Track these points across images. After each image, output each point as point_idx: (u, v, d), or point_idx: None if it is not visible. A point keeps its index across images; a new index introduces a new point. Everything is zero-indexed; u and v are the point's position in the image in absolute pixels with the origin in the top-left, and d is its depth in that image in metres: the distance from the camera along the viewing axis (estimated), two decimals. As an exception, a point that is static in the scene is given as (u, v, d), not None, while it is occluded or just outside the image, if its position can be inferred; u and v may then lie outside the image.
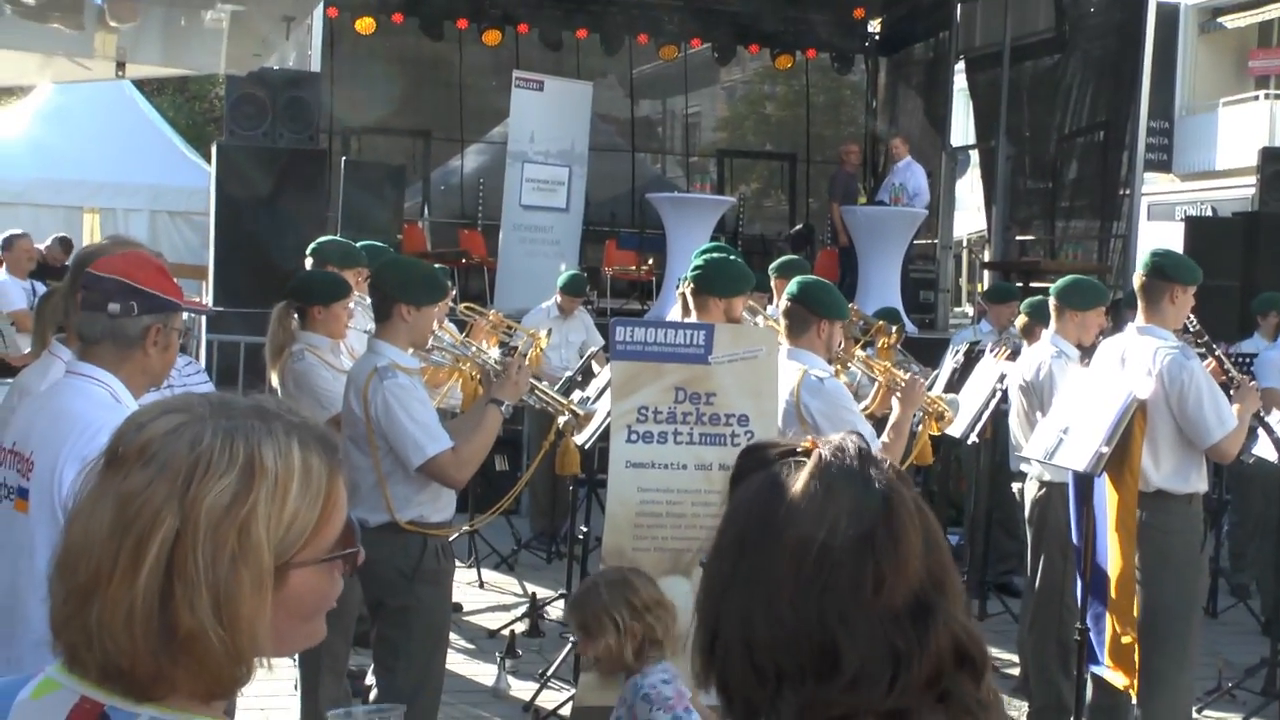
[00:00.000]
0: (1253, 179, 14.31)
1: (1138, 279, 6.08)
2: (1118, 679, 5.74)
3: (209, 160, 13.61)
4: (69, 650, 1.53)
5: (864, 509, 1.48)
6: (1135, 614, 5.66)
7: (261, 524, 1.52)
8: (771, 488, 1.51)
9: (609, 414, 5.43)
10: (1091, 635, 5.79)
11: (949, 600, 1.50)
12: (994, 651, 8.23)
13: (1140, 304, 6.05)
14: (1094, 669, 5.85)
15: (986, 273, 18.53)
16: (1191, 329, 6.09)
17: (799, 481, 1.50)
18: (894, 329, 9.34)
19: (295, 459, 1.56)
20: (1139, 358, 5.94)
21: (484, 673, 7.51)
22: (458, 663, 7.63)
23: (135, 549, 1.48)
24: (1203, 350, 6.03)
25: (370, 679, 5.26)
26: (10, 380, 4.91)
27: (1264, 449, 6.90)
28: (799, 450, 1.55)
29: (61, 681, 1.54)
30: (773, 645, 1.46)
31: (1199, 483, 6.00)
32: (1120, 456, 5.57)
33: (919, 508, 1.53)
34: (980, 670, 1.51)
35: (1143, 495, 5.86)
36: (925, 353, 10.53)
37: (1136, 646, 5.65)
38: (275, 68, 12.28)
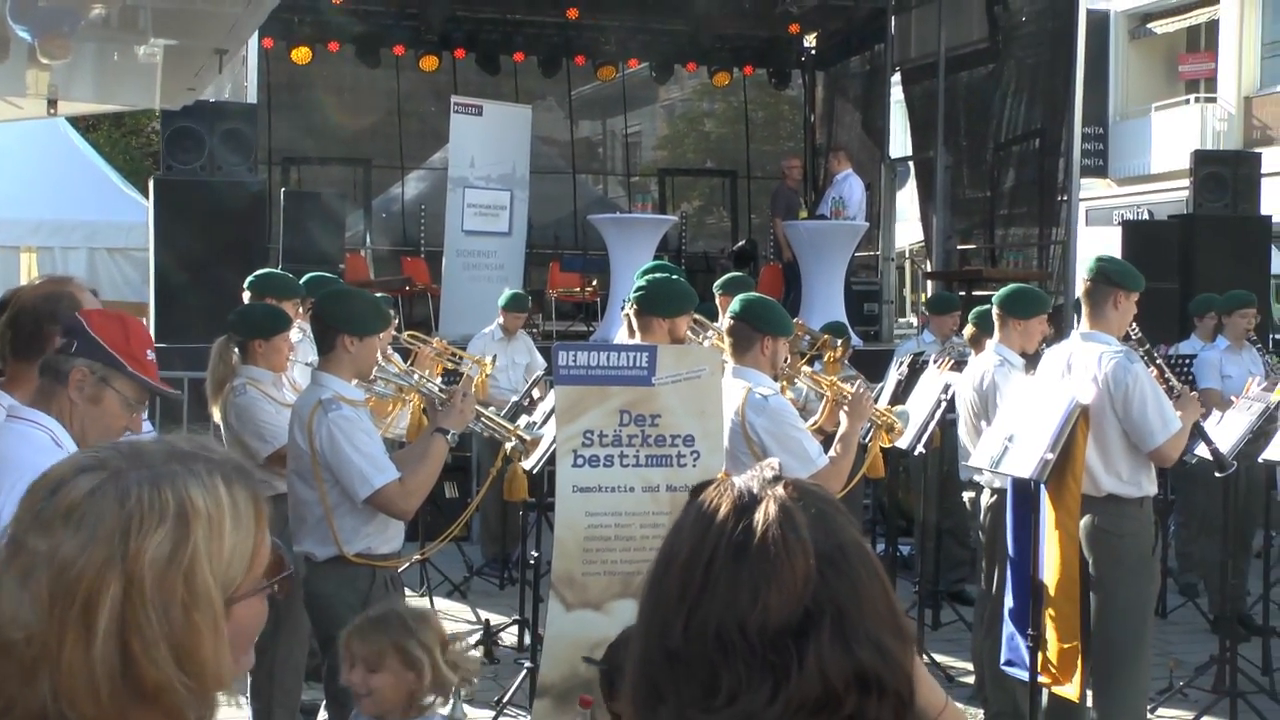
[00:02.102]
0: (1186, 181, 14.49)
1: (1082, 284, 6.13)
2: (1066, 690, 5.77)
3: (146, 195, 13.52)
4: None
5: (749, 528, 1.52)
6: (1077, 620, 5.70)
7: (205, 566, 1.51)
8: (684, 513, 1.58)
9: (555, 438, 5.42)
10: (1026, 646, 5.82)
11: (853, 624, 1.50)
12: (948, 659, 8.27)
13: (1085, 309, 6.10)
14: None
15: (930, 283, 18.66)
16: (1134, 336, 6.14)
17: (707, 506, 1.56)
18: (839, 343, 9.38)
19: (223, 496, 1.56)
20: (1084, 363, 5.99)
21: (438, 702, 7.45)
22: (413, 693, 7.57)
23: (82, 617, 1.46)
24: (1145, 358, 6.08)
25: (323, 714, 5.21)
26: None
27: (1205, 450, 6.97)
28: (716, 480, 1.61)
29: None
30: (658, 662, 1.51)
31: (1149, 486, 6.05)
32: (1062, 461, 5.61)
33: (830, 533, 1.54)
34: (904, 702, 1.52)
35: (1094, 500, 5.91)
36: (871, 364, 10.58)
37: (1080, 653, 5.68)
38: (211, 100, 12.21)
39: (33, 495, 1.55)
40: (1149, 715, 6.59)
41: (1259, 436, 7.08)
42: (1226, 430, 7.03)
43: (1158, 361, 6.19)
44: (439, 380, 6.69)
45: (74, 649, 1.46)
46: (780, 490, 1.56)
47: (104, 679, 1.46)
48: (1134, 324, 6.12)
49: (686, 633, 1.49)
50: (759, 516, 1.53)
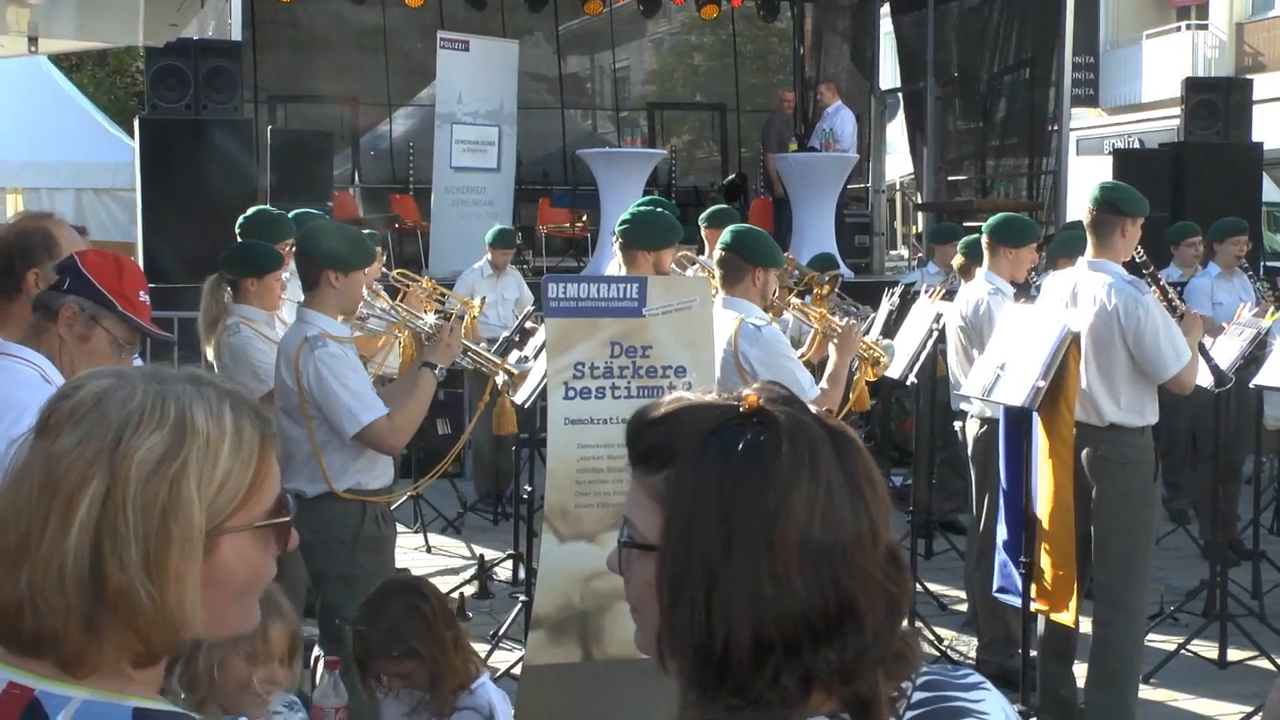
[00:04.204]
0: (1177, 110, 14.41)
1: (1087, 213, 6.01)
2: (1062, 616, 5.80)
3: (132, 135, 13.43)
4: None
5: (847, 464, 1.48)
6: (1071, 547, 5.72)
7: (192, 481, 1.51)
8: (746, 456, 1.46)
9: (545, 372, 5.40)
10: (1019, 573, 5.85)
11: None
12: (941, 589, 8.31)
13: (1090, 238, 6.00)
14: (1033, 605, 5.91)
15: (920, 215, 18.60)
16: (1138, 260, 6.09)
17: (779, 447, 1.46)
18: (829, 276, 9.35)
19: (227, 421, 1.55)
20: (1090, 292, 5.93)
21: (435, 637, 7.49)
22: (408, 629, 7.61)
23: (65, 507, 1.47)
24: (1148, 280, 6.03)
25: (317, 650, 5.22)
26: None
27: (1201, 376, 6.96)
28: (742, 410, 1.51)
29: None
30: (781, 616, 1.43)
31: (1152, 415, 6.00)
32: (1054, 389, 5.60)
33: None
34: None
35: (1097, 429, 5.90)
36: (862, 296, 10.56)
37: (1074, 579, 5.71)
38: (195, 38, 12.11)
39: (51, 401, 1.57)
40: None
41: (1250, 362, 7.09)
42: (1218, 356, 7.01)
43: (1161, 284, 6.13)
44: (431, 318, 6.67)
45: (52, 540, 1.47)
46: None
47: (73, 573, 1.46)
48: (1139, 249, 6.06)
49: (818, 579, 1.45)
50: (844, 450, 1.53)
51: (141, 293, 3.55)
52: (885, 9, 18.29)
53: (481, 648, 7.13)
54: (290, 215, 7.64)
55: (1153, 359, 5.81)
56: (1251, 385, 6.84)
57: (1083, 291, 5.96)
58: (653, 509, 1.52)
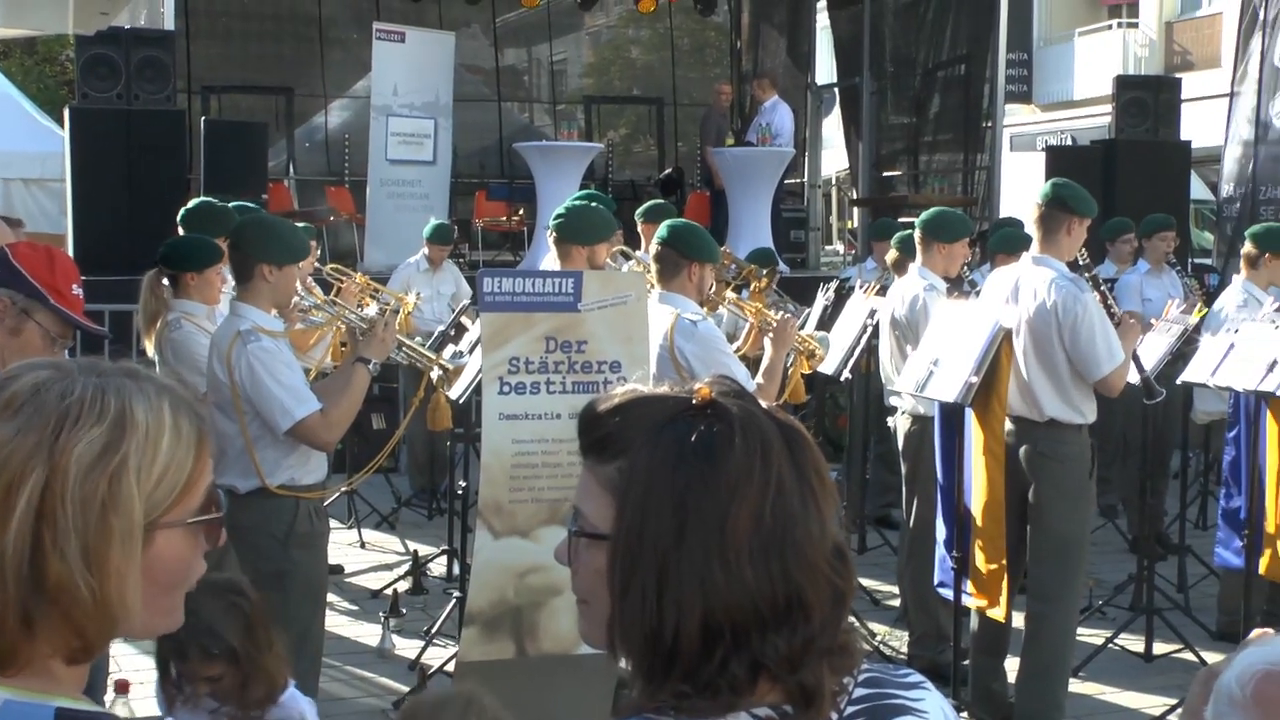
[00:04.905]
0: (1109, 107, 14.58)
1: (1036, 209, 6.04)
2: (994, 612, 5.86)
3: (62, 125, 13.26)
4: None
5: (797, 458, 1.51)
6: (1003, 542, 5.77)
7: (132, 475, 1.50)
8: (699, 447, 1.49)
9: (480, 367, 5.39)
10: (954, 566, 5.90)
11: None
12: (875, 584, 8.37)
13: (1037, 233, 6.05)
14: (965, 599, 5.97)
15: (856, 210, 18.69)
16: (1081, 262, 6.15)
17: (732, 439, 1.49)
18: (765, 271, 9.39)
19: (166, 415, 1.54)
20: (1032, 288, 5.98)
21: (368, 634, 7.47)
22: (341, 625, 7.58)
23: (4, 499, 1.46)
24: (1090, 283, 6.09)
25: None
26: None
27: (1133, 374, 7.04)
28: (695, 402, 1.53)
29: None
30: (730, 605, 1.45)
31: (1090, 413, 6.05)
32: (986, 385, 5.65)
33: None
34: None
35: (1035, 425, 5.95)
36: (798, 292, 10.60)
37: (1005, 574, 5.76)
38: (127, 26, 11.97)
39: None
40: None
41: (1177, 358, 7.18)
42: (1147, 352, 7.10)
43: (1102, 288, 6.20)
44: (372, 310, 6.64)
45: None
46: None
47: (12, 565, 1.46)
48: (1083, 250, 6.12)
49: (769, 569, 1.49)
50: (795, 442, 1.56)
51: (74, 286, 3.52)
52: (821, 4, 18.37)
53: (415, 643, 7.12)
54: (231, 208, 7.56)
55: (1086, 357, 5.87)
56: (1178, 382, 6.92)
57: (1024, 286, 6.02)
58: (605, 499, 1.54)
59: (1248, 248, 7.59)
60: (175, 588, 1.61)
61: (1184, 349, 7.17)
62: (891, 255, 8.66)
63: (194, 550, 1.60)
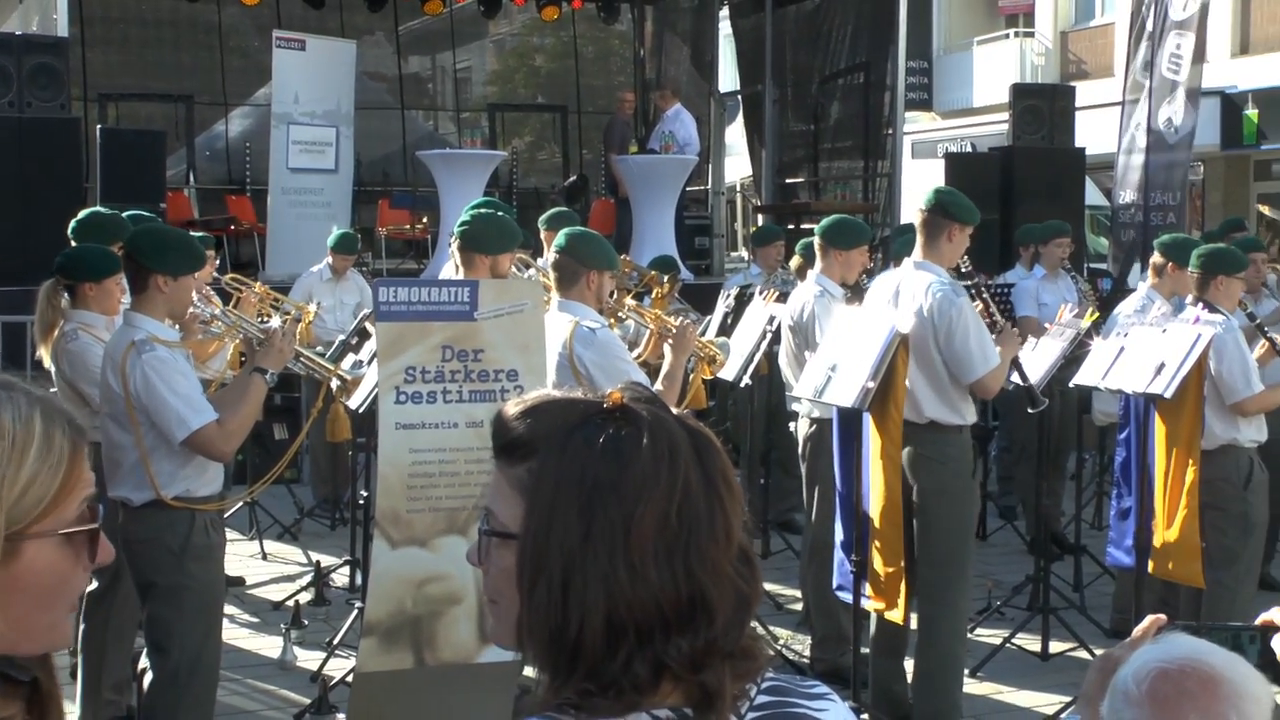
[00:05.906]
0: (1007, 115, 14.81)
1: (919, 214, 6.16)
2: (893, 614, 5.93)
3: (-48, 133, 13.02)
4: None
5: (705, 463, 1.55)
6: (900, 544, 5.85)
7: None
8: (608, 449, 1.52)
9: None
10: (853, 570, 5.97)
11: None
12: (778, 588, 8.43)
13: (919, 239, 6.16)
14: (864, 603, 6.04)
15: (760, 217, 18.81)
16: (964, 269, 6.24)
17: (641, 442, 1.52)
18: (667, 278, 9.43)
19: (36, 427, 1.53)
20: (911, 292, 6.08)
21: (270, 645, 7.40)
22: (242, 638, 7.51)
23: None
24: (973, 290, 6.18)
25: (144, 661, 5.12)
26: None
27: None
28: (606, 406, 1.56)
29: None
30: (634, 604, 1.48)
31: (970, 415, 6.18)
32: (883, 390, 5.72)
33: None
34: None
35: (916, 427, 6.04)
36: (702, 298, 10.67)
37: (903, 576, 5.84)
38: (19, 33, 11.80)
39: None
40: (968, 635, 6.79)
41: (1071, 362, 7.30)
42: (1040, 356, 7.22)
43: (984, 295, 6.29)
44: (276, 321, 6.58)
45: None
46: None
47: None
48: (965, 257, 6.22)
49: (672, 569, 1.51)
50: (705, 448, 1.59)
51: None
52: (724, 12, 18.47)
53: (317, 654, 7.07)
54: (124, 216, 7.46)
55: (960, 359, 5.97)
56: (1071, 385, 7.04)
57: (904, 291, 6.12)
58: (515, 499, 1.56)
59: (1156, 257, 7.71)
60: (52, 602, 1.59)
61: (1076, 352, 7.29)
62: (795, 261, 8.73)
63: (71, 563, 1.59)
